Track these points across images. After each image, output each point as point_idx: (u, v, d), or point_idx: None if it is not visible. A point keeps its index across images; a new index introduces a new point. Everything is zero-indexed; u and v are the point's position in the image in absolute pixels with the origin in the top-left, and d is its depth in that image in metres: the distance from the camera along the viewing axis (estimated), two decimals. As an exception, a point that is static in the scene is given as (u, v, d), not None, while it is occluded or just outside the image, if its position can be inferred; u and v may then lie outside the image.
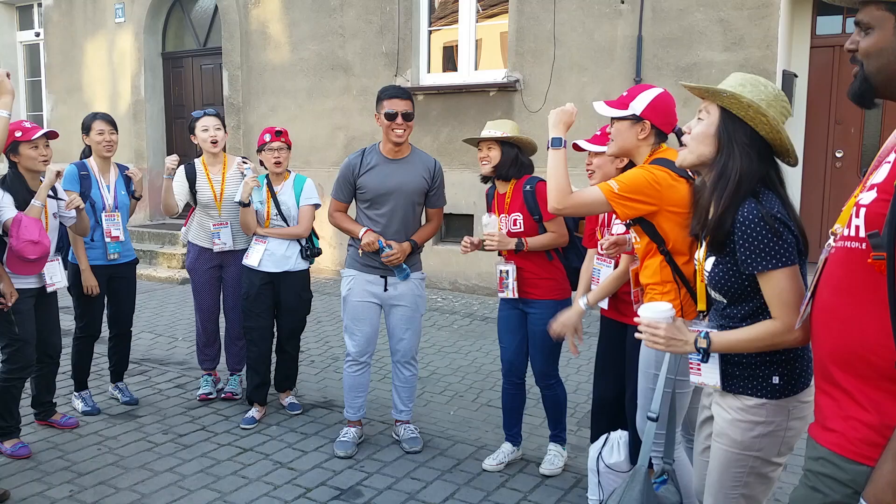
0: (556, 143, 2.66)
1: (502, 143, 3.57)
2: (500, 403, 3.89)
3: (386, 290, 3.92)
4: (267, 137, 4.25)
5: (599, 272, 3.29)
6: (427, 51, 8.21)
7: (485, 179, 3.73)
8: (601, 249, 3.13)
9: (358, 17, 8.32)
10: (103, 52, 10.56)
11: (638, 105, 2.71)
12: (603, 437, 3.39)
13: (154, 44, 10.31)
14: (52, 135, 3.89)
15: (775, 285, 1.90)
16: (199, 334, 4.76)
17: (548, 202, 2.58)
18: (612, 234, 3.17)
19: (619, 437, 3.33)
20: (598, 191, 2.53)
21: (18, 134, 3.76)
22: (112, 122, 4.41)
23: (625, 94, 2.79)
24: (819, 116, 7.09)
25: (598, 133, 3.20)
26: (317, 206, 4.40)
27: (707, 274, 2.08)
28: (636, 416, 2.95)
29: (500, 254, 3.69)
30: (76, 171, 4.29)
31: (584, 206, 2.58)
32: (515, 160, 3.59)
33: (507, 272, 3.61)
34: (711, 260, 2.06)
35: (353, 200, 3.98)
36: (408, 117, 3.79)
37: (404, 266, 3.89)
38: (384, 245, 3.79)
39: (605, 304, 3.31)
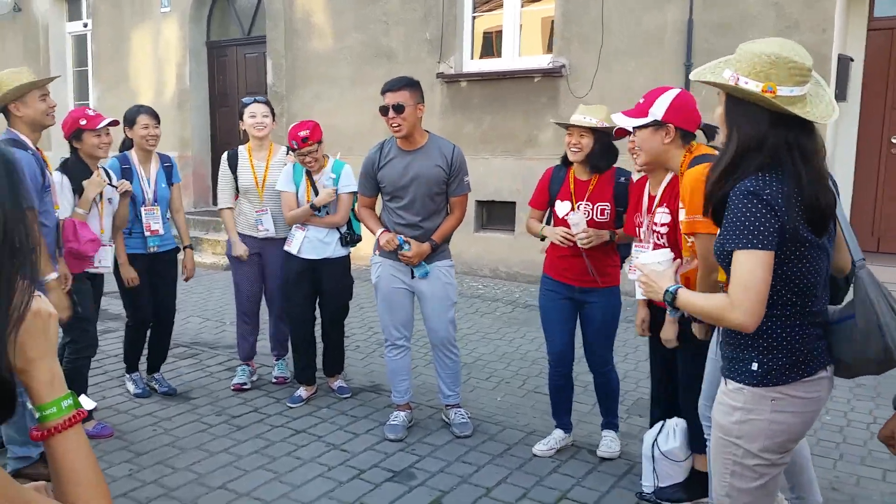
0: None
1: (595, 130, 3.44)
2: (547, 390, 3.86)
3: (413, 276, 3.91)
4: (294, 145, 4.17)
5: (638, 259, 3.22)
6: (471, 37, 8.16)
7: (564, 160, 3.63)
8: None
9: (402, 4, 8.30)
10: (149, 41, 10.71)
11: (658, 109, 2.65)
12: (658, 424, 3.36)
13: (199, 33, 10.42)
14: (115, 123, 4.03)
15: (737, 264, 1.85)
16: (239, 323, 4.76)
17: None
18: (656, 224, 3.12)
19: (675, 424, 3.29)
20: (703, 243, 2.50)
21: (83, 122, 3.92)
22: (156, 116, 4.41)
23: (641, 100, 2.72)
24: (875, 101, 6.87)
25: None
26: (355, 193, 4.37)
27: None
28: (699, 402, 2.89)
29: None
30: (118, 165, 4.30)
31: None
32: (608, 150, 3.49)
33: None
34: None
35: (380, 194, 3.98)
36: (398, 109, 3.68)
37: (423, 264, 3.86)
38: (403, 242, 3.80)
39: (642, 294, 3.24)
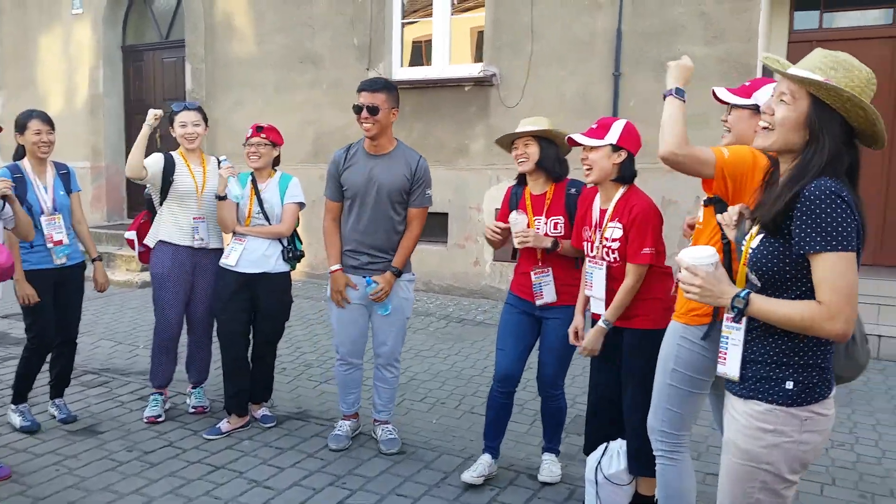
0: (679, 93, 2.40)
1: (540, 139, 3.34)
2: (485, 411, 3.66)
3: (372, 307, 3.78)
4: (248, 133, 4.07)
5: (592, 275, 3.14)
6: (400, 44, 7.96)
7: (520, 179, 3.52)
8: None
9: (328, 7, 8.04)
10: (59, 44, 10.10)
11: (763, 97, 2.56)
12: (602, 447, 3.21)
13: (114, 36, 9.89)
14: None
15: (829, 268, 1.74)
16: (157, 348, 4.33)
17: (663, 147, 2.31)
18: (607, 239, 3.00)
19: (619, 446, 3.16)
20: (712, 153, 2.34)
21: None
22: (49, 121, 4.06)
23: (747, 83, 2.70)
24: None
25: (595, 126, 3.03)
26: (301, 205, 4.16)
27: (750, 252, 1.91)
28: (649, 414, 2.75)
29: (517, 256, 3.51)
30: (9, 175, 3.91)
31: (697, 161, 2.32)
32: (558, 157, 3.39)
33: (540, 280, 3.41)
34: (759, 238, 1.90)
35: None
36: (373, 111, 3.59)
37: (387, 303, 3.78)
38: (372, 281, 3.72)
39: (598, 308, 3.13)
